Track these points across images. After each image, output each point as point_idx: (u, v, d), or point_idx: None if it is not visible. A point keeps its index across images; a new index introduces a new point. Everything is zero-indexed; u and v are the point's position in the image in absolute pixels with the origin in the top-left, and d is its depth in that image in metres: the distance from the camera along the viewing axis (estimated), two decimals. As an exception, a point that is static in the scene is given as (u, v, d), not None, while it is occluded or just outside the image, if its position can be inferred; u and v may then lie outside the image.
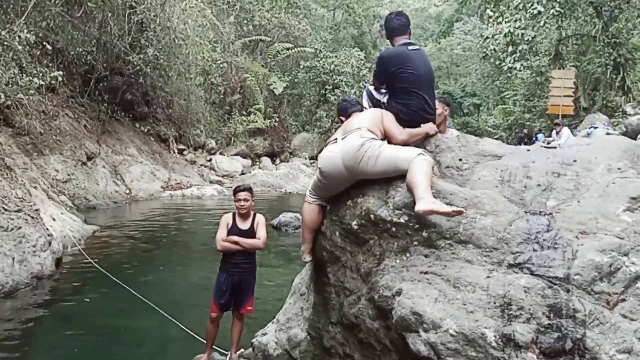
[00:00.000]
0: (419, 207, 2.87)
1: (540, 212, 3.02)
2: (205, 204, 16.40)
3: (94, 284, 7.44)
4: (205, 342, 4.86)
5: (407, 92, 3.74)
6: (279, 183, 21.14)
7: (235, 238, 4.56)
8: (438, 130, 3.91)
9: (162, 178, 18.06)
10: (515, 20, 21.39)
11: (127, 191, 16.23)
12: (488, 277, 2.73)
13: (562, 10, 20.99)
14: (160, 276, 8.15)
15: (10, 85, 10.60)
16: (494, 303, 2.60)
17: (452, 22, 41.39)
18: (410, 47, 3.81)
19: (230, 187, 16.96)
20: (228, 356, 4.63)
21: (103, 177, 15.56)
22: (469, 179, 3.48)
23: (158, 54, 17.15)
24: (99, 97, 17.71)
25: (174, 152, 21.07)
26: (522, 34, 21.31)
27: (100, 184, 15.21)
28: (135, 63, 17.09)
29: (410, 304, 2.73)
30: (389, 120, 3.68)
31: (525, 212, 3.02)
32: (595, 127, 16.35)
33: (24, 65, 11.50)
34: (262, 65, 26.46)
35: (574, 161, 3.33)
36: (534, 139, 19.40)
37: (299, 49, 27.07)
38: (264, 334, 4.35)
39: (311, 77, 28.18)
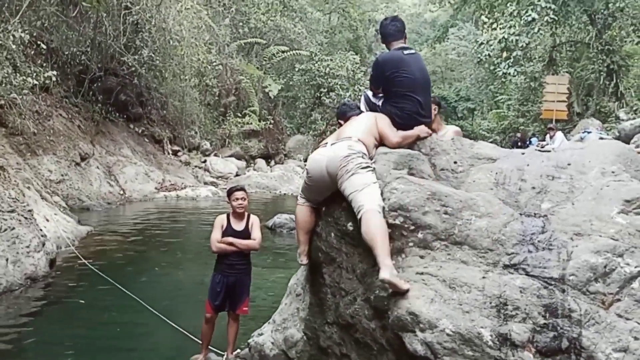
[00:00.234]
0: (383, 276, 2.83)
1: (535, 214, 3.06)
2: (200, 205, 16.37)
3: (88, 284, 7.42)
4: (199, 342, 4.86)
5: (402, 95, 3.78)
6: (273, 185, 21.15)
7: (230, 239, 4.56)
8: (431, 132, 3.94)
9: (156, 179, 18.01)
10: (510, 27, 21.52)
11: (121, 192, 16.17)
12: (484, 277, 2.75)
13: (556, 18, 21.13)
14: (155, 277, 8.13)
15: (3, 85, 10.56)
16: (490, 303, 2.62)
17: (447, 28, 41.50)
18: (406, 52, 3.85)
19: (225, 188, 16.94)
20: (224, 357, 4.63)
21: (97, 177, 15.50)
22: (463, 181, 3.52)
23: (153, 55, 17.12)
24: (93, 98, 17.63)
25: (169, 153, 21.02)
26: (517, 40, 21.44)
27: (94, 184, 15.15)
28: (130, 64, 17.05)
29: (406, 304, 2.75)
30: (383, 122, 3.71)
31: (520, 214, 3.06)
32: (589, 132, 16.44)
33: (17, 64, 11.45)
34: (258, 68, 26.47)
35: (568, 164, 3.37)
36: (527, 143, 19.51)
37: (294, 52, 27.11)
38: (260, 335, 4.36)
39: (306, 80, 28.21)
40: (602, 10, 21.43)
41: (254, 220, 4.72)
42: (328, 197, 3.63)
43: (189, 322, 5.57)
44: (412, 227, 3.07)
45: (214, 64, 21.57)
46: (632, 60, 23.43)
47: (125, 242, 10.38)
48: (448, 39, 41.96)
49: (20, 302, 6.61)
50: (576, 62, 25.29)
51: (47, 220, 9.46)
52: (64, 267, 8.30)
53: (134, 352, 5.38)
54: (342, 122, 3.95)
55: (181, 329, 5.40)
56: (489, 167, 3.51)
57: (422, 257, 3.04)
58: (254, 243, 4.63)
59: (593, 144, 4.18)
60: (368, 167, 3.33)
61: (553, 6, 20.35)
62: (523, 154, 3.73)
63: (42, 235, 8.00)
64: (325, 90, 27.51)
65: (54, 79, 12.29)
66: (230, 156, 23.61)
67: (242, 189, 4.75)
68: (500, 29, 22.32)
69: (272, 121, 26.00)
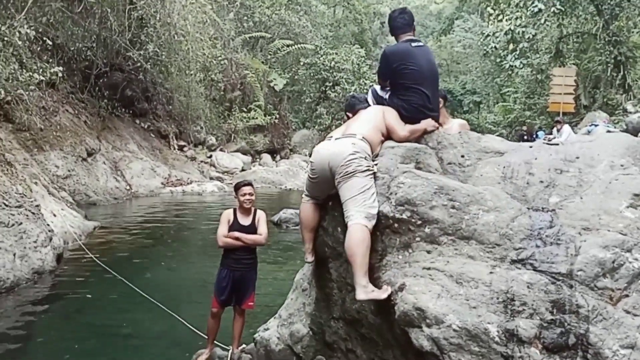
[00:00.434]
0: (359, 296, 2.99)
1: (542, 208, 3.02)
2: (206, 200, 16.40)
3: (95, 279, 7.45)
4: (205, 337, 4.87)
5: (409, 88, 3.73)
6: (279, 180, 21.16)
7: (236, 234, 4.56)
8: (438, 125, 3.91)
9: (162, 174, 18.05)
10: (516, 18, 21.37)
11: (128, 187, 16.23)
12: (491, 272, 2.73)
13: (562, 8, 20.96)
14: (161, 272, 8.16)
15: (10, 81, 10.57)
16: (497, 298, 2.60)
17: (453, 20, 41.34)
18: (413, 44, 3.80)
19: (231, 183, 16.97)
20: (230, 351, 4.63)
21: (103, 173, 15.55)
22: (471, 175, 3.48)
23: (158, 50, 17.10)
24: (99, 93, 17.67)
25: (174, 149, 21.05)
26: (523, 31, 21.29)
27: (101, 180, 15.20)
28: (135, 59, 17.04)
29: (412, 299, 2.74)
30: (390, 116, 3.68)
31: (528, 209, 3.02)
32: (596, 125, 16.35)
33: (24, 60, 11.46)
34: (263, 62, 26.41)
35: (577, 158, 3.33)
36: (534, 136, 19.42)
37: (299, 45, 27.02)
38: (266, 329, 4.36)
39: (311, 74, 28.13)
40: (609, 1, 21.21)
41: (261, 215, 4.72)
42: (334, 193, 3.61)
43: (195, 316, 5.58)
44: (419, 222, 3.05)
45: (219, 58, 21.54)
46: (640, 52, 23.24)
47: (131, 237, 10.42)
48: (453, 31, 41.80)
49: (28, 296, 6.65)
50: (583, 53, 25.09)
51: (54, 215, 9.51)
52: (71, 261, 8.34)
53: (140, 345, 5.41)
54: (350, 114, 3.91)
55: (187, 324, 5.42)
56: (496, 161, 3.47)
57: (429, 252, 3.02)
58: (260, 238, 4.62)
59: (602, 137, 4.13)
60: (368, 170, 3.29)
61: (559, -4, 20.22)
62: (531, 147, 3.69)
63: (49, 230, 8.04)
64: (331, 84, 27.43)
65: (60, 74, 12.29)
66: (235, 151, 23.62)
67: (250, 184, 4.74)
68: (506, 20, 22.17)
69: (277, 116, 25.96)
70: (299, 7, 30.01)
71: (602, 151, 3.36)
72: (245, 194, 4.60)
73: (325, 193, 3.60)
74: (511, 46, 22.47)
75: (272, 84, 25.69)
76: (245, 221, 4.63)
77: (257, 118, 24.65)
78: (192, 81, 19.37)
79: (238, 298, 4.67)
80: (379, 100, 3.92)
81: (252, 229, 4.62)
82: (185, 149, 21.68)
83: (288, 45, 26.90)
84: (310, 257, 3.82)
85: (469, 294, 2.66)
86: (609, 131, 14.02)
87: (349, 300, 3.38)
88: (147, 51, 16.96)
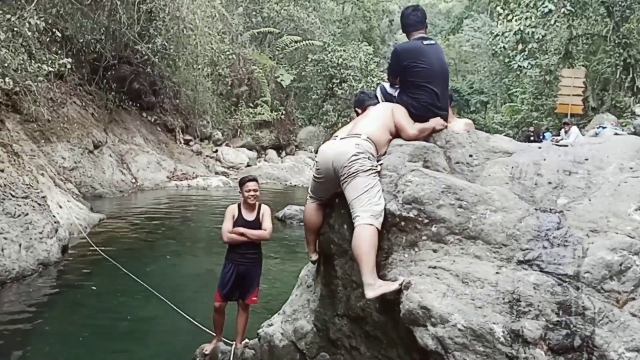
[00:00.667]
0: (368, 295, 2.95)
1: (550, 209, 3.01)
2: (211, 194, 16.44)
3: (100, 271, 7.49)
4: (208, 331, 4.91)
5: (419, 86, 3.71)
6: (284, 176, 21.17)
7: (241, 229, 4.57)
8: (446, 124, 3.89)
9: (168, 168, 18.10)
10: (526, 19, 21.24)
11: (133, 180, 16.28)
12: (497, 273, 2.72)
13: (573, 10, 20.82)
14: (166, 265, 8.18)
15: (19, 72, 10.61)
16: (503, 299, 2.59)
17: (462, 19, 41.22)
18: (425, 42, 3.78)
19: (236, 178, 16.99)
20: (233, 346, 4.65)
21: (109, 165, 15.60)
22: (479, 175, 3.47)
23: (166, 43, 17.13)
24: (106, 86, 17.72)
25: (181, 143, 21.10)
26: (533, 32, 21.17)
27: (107, 172, 15.26)
28: (144, 52, 17.08)
29: (418, 298, 2.73)
30: (400, 114, 3.66)
31: (536, 210, 3.01)
32: (604, 127, 16.25)
33: (33, 51, 11.50)
34: (270, 58, 26.41)
35: (586, 159, 3.31)
36: (541, 137, 19.34)
37: (307, 42, 27.00)
38: (270, 325, 4.36)
39: (319, 71, 28.12)
40: (620, 2, 21.06)
41: (265, 210, 4.72)
42: (339, 191, 3.60)
43: (198, 310, 5.60)
44: (426, 221, 3.04)
45: (227, 53, 21.56)
46: (650, 54, 23.05)
47: (136, 230, 10.45)
48: (462, 30, 41.68)
49: (33, 287, 6.69)
50: (592, 55, 24.94)
51: (60, 207, 9.55)
52: (76, 253, 8.38)
53: (142, 338, 5.43)
54: (359, 111, 3.90)
55: (190, 318, 5.44)
56: (504, 161, 3.45)
57: (435, 250, 3.01)
58: (264, 233, 4.63)
59: (611, 139, 4.10)
60: (372, 169, 3.26)
61: (570, -3, 20.09)
62: (540, 148, 3.67)
63: (55, 222, 8.07)
64: (338, 81, 27.41)
65: (68, 66, 12.34)
66: (241, 146, 23.65)
67: (255, 179, 4.75)
68: (515, 20, 22.04)
69: (283, 112, 25.98)
70: (307, 3, 30.00)
71: (611, 153, 3.34)
72: (249, 190, 4.61)
73: (330, 193, 3.59)
74: (520, 46, 22.36)
75: (279, 80, 25.69)
76: (249, 216, 4.64)
77: (263, 114, 24.67)
78: (200, 75, 19.41)
79: (242, 293, 4.68)
80: (388, 98, 3.90)
81: (256, 224, 4.63)
82: (191, 143, 21.72)
83: (296, 42, 26.89)
84: (314, 256, 3.83)
85: (475, 293, 2.65)
86: (616, 134, 13.95)
87: (354, 297, 3.37)
88: (156, 44, 16.99)
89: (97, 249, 8.24)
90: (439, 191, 3.06)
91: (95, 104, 17.06)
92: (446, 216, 3.00)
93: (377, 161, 3.41)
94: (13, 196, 7.50)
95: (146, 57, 17.44)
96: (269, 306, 5.43)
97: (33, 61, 11.26)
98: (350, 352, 3.50)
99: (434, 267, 2.88)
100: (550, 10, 20.46)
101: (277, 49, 27.24)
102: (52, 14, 13.74)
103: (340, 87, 27.11)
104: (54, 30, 12.27)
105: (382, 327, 3.15)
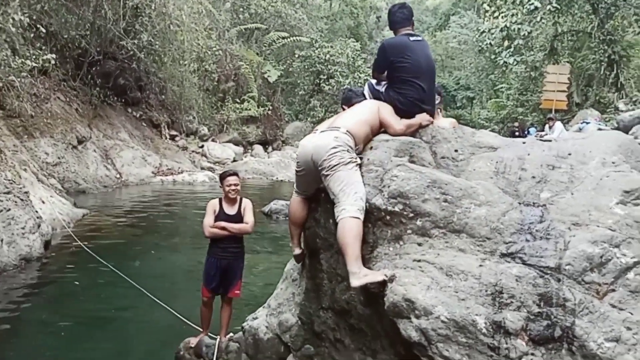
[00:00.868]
0: (353, 284, 2.93)
1: (534, 203, 3.04)
2: (196, 190, 16.36)
3: (83, 267, 7.42)
4: (193, 325, 4.91)
5: (405, 82, 3.73)
6: (270, 171, 21.13)
7: (223, 224, 4.57)
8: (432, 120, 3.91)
9: (153, 163, 17.97)
10: (512, 15, 21.39)
11: (118, 176, 16.14)
12: (480, 265, 2.74)
13: (558, 7, 20.99)
14: (150, 260, 8.14)
15: (2, 67, 10.48)
16: (486, 291, 2.61)
17: (449, 16, 41.41)
18: (412, 38, 3.80)
19: (222, 174, 16.90)
20: (218, 340, 4.65)
21: (94, 161, 15.45)
22: (464, 169, 3.49)
23: (152, 39, 17.00)
24: (91, 81, 17.52)
25: (166, 138, 20.94)
26: (519, 29, 21.32)
27: (91, 168, 15.11)
28: (129, 48, 16.92)
29: (402, 290, 2.74)
30: (385, 111, 3.67)
31: (519, 203, 3.04)
32: (587, 123, 16.45)
33: (16, 47, 11.35)
34: (257, 54, 26.30)
35: (569, 154, 3.34)
36: (526, 132, 19.50)
37: (294, 38, 26.92)
38: (255, 319, 4.36)
39: (306, 67, 28.06)
40: (605, 0, 21.28)
41: (247, 204, 4.72)
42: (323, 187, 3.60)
43: (182, 305, 5.59)
44: (411, 215, 3.05)
45: (214, 49, 21.44)
46: (634, 51, 23.31)
47: (120, 225, 10.38)
48: (449, 26, 41.84)
49: (15, 282, 6.62)
50: (577, 51, 25.16)
51: (43, 202, 9.45)
52: (59, 248, 8.30)
53: (127, 333, 5.41)
54: (346, 107, 3.91)
55: (174, 312, 5.42)
56: (489, 156, 3.48)
57: (420, 244, 3.03)
58: (246, 227, 4.63)
59: (595, 134, 4.15)
60: (352, 161, 3.26)
61: (556, -6, 20.24)
62: (524, 143, 3.70)
63: (37, 217, 7.99)
64: (325, 77, 27.39)
65: (52, 62, 12.20)
66: (227, 142, 23.55)
67: (235, 174, 4.74)
68: (502, 17, 22.17)
69: (270, 107, 25.89)
70: (295, -1, 29.90)
71: (594, 148, 3.37)
72: (230, 184, 4.60)
73: (313, 187, 3.59)
74: (506, 43, 22.51)
75: (266, 76, 25.59)
76: (231, 210, 4.64)
77: (250, 109, 24.57)
78: (186, 71, 19.28)
79: (225, 286, 4.69)
80: (376, 95, 3.91)
81: (238, 218, 4.62)
82: (177, 138, 21.58)
83: (283, 38, 26.79)
84: (297, 250, 3.83)
85: (458, 286, 2.67)
86: (600, 129, 14.12)
87: (339, 290, 3.38)
88: (141, 40, 16.84)
89: (81, 244, 8.16)
90: (425, 186, 3.07)
91: (79, 100, 16.86)
92: (431, 210, 3.01)
93: (358, 154, 3.41)
94: (-5, 191, 7.41)
95: (132, 52, 17.29)
96: (254, 300, 5.43)
97: (17, 57, 11.12)
98: (334, 344, 3.51)
99: (419, 261, 2.90)
100: (536, 8, 20.62)
101: (265, 45, 27.13)
102: (37, 9, 13.55)
103: (327, 83, 27.10)
104: (38, 26, 12.12)
105: (367, 319, 3.17)
